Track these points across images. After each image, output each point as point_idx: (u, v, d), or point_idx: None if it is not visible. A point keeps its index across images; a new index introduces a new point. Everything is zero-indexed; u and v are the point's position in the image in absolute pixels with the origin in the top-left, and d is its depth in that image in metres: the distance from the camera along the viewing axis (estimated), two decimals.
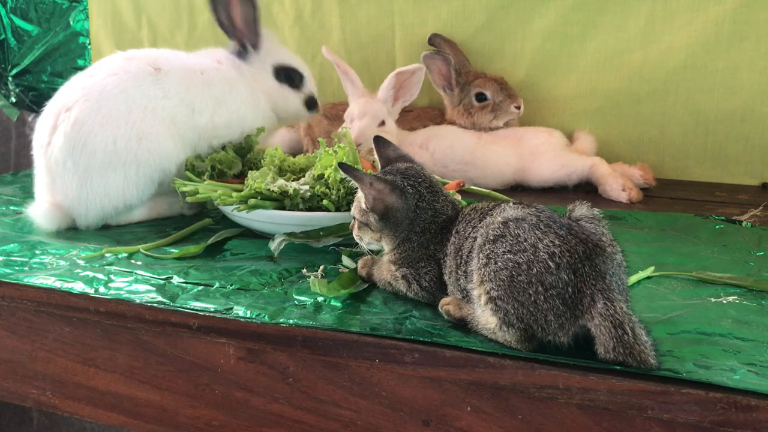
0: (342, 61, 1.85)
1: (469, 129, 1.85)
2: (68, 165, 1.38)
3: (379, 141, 1.10)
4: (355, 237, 1.06)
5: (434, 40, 1.91)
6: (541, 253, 0.83)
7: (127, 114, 1.40)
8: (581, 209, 0.91)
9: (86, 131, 1.38)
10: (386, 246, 1.03)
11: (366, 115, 1.73)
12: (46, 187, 1.43)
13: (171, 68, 1.47)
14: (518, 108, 1.82)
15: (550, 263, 0.82)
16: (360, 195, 1.01)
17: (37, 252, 1.27)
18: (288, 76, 1.60)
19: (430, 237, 0.99)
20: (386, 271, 1.04)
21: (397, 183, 0.99)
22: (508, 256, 0.84)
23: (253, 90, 1.56)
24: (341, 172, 1.00)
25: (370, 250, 1.07)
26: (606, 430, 0.83)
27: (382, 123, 1.75)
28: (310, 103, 1.64)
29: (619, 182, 1.64)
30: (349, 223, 1.09)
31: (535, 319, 0.83)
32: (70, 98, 1.41)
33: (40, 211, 1.41)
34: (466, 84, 1.85)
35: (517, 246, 0.84)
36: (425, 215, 0.99)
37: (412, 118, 1.94)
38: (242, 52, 1.57)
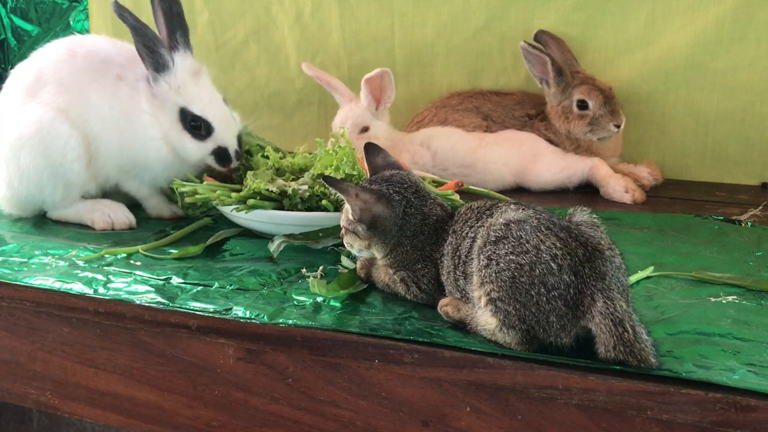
0: (323, 73, 1.85)
1: (563, 135, 1.77)
2: None
3: (368, 149, 1.10)
4: (345, 245, 1.06)
5: (540, 36, 1.82)
6: (544, 255, 0.83)
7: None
8: (582, 215, 0.91)
9: None
10: (377, 253, 1.03)
11: (346, 123, 1.75)
12: None
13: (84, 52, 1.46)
14: (617, 127, 1.72)
15: (553, 265, 0.82)
16: (347, 205, 1.01)
17: (37, 252, 1.27)
18: (192, 124, 1.40)
19: (424, 239, 1.00)
20: (384, 274, 1.04)
21: (383, 192, 0.99)
22: (511, 257, 0.84)
23: (148, 122, 1.41)
24: (325, 185, 1.00)
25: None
26: (605, 431, 0.83)
27: (366, 129, 1.76)
28: (220, 156, 1.42)
29: (621, 184, 1.63)
30: None
31: (537, 320, 0.83)
32: None
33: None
34: (570, 86, 1.75)
35: (520, 248, 0.84)
36: (414, 220, 0.99)
37: (514, 102, 1.87)
38: (149, 78, 1.41)
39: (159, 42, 1.37)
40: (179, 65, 1.40)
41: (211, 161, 1.43)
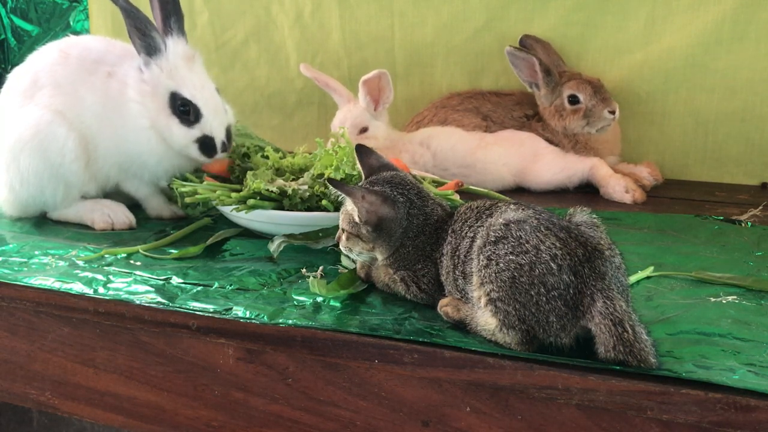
0: (321, 74, 1.85)
1: (560, 133, 1.78)
2: None
3: (360, 150, 1.09)
4: (343, 249, 1.06)
5: (525, 41, 1.83)
6: (544, 255, 0.83)
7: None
8: (582, 215, 0.91)
9: None
10: (380, 255, 1.03)
11: (345, 123, 1.75)
12: None
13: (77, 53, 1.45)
14: (612, 113, 1.73)
15: (552, 265, 0.82)
16: (350, 207, 1.01)
17: (37, 252, 1.27)
18: (181, 108, 1.37)
19: (425, 239, 1.00)
20: (384, 274, 1.04)
21: (388, 194, 0.99)
22: (510, 257, 0.84)
23: (137, 112, 1.39)
24: (331, 187, 1.00)
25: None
26: (605, 431, 0.83)
27: (365, 129, 1.76)
28: (205, 145, 1.39)
29: (621, 184, 1.63)
30: None
31: (537, 320, 0.83)
32: None
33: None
34: (558, 84, 1.77)
35: (519, 248, 0.84)
36: (417, 221, 1.00)
37: (513, 102, 1.89)
38: (141, 65, 1.40)
39: (151, 25, 1.36)
40: (172, 49, 1.38)
41: (194, 149, 1.39)
